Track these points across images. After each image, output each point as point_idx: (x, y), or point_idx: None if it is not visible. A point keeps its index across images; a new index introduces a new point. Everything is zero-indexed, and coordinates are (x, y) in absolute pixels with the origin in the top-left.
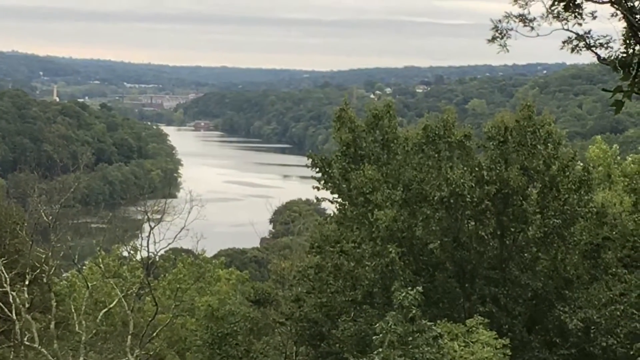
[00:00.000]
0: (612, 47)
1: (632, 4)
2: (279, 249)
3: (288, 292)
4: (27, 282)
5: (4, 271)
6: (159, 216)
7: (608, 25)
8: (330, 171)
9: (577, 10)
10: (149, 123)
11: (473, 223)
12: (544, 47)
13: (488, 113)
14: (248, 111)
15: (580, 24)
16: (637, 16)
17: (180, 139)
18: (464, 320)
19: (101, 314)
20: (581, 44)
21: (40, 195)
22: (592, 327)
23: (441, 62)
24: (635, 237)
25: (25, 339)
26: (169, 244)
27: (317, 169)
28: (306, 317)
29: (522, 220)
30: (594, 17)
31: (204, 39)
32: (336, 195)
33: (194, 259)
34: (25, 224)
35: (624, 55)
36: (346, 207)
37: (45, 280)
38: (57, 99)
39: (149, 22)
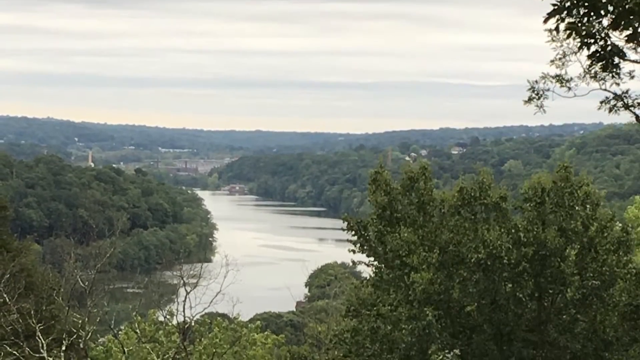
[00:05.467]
0: None
1: None
2: (315, 313)
3: (324, 356)
4: (63, 348)
5: (40, 337)
6: (194, 281)
7: None
8: (365, 234)
9: (615, 70)
10: (184, 188)
11: (510, 285)
12: (581, 107)
13: (524, 174)
14: (283, 174)
15: (617, 84)
16: None
17: (215, 203)
18: None
19: None
20: (619, 103)
21: (76, 260)
22: None
23: (476, 123)
24: None
25: None
26: (205, 308)
27: (353, 232)
28: None
29: (560, 281)
30: (632, 77)
31: (237, 103)
32: (372, 258)
33: (229, 323)
34: (62, 290)
35: None
36: (382, 270)
37: (81, 345)
38: (92, 165)
39: (183, 87)
